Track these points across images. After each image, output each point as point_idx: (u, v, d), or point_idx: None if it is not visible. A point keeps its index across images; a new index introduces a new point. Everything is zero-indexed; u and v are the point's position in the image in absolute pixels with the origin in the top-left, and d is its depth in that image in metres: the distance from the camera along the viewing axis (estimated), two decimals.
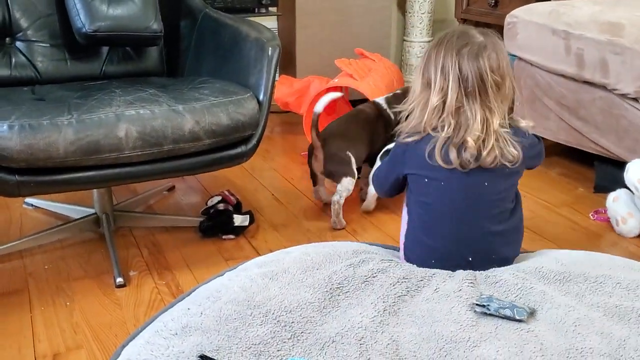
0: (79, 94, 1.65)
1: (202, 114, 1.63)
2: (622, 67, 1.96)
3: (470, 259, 1.39)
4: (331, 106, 2.94)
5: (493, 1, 3.01)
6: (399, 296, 1.29)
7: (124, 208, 2.05)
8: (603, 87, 2.08)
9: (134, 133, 1.54)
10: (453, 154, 1.35)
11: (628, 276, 1.31)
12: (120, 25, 1.88)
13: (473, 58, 1.34)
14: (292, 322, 1.20)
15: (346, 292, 1.31)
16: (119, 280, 1.67)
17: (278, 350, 1.12)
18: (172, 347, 1.14)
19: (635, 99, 1.98)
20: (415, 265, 1.42)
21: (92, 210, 1.95)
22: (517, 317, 1.18)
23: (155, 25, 1.94)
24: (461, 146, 1.35)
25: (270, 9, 2.98)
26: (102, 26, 1.85)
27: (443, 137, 1.36)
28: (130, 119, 1.54)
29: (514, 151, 1.35)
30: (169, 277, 1.73)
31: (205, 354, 1.10)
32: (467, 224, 1.38)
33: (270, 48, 1.83)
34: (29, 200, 2.13)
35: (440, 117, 1.37)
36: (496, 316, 1.20)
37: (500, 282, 1.32)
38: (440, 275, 1.37)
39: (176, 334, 1.18)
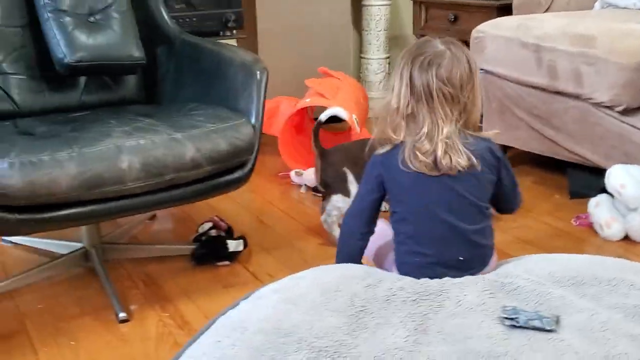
0: (71, 126, 1.60)
1: (202, 141, 1.61)
2: (596, 77, 2.05)
3: (461, 258, 1.42)
4: (300, 124, 2.96)
5: (452, 16, 3.09)
6: (424, 314, 1.29)
7: (112, 240, 2.00)
8: (576, 97, 2.16)
9: (136, 164, 1.50)
10: (416, 160, 1.38)
11: (638, 277, 1.36)
12: (101, 54, 1.85)
13: (424, 68, 1.38)
14: (327, 347, 1.19)
15: (371, 312, 1.30)
16: (122, 315, 1.62)
17: None
18: None
19: (610, 107, 2.07)
20: (422, 278, 1.43)
21: (79, 245, 1.89)
22: (547, 328, 1.20)
23: (137, 52, 1.91)
24: (414, 152, 1.39)
25: (234, 31, 2.97)
26: (84, 56, 1.80)
27: (406, 141, 1.40)
28: (131, 149, 1.50)
29: (462, 161, 1.37)
30: (172, 309, 1.69)
31: None
32: (451, 226, 1.41)
33: (258, 71, 1.83)
34: (7, 237, 2.04)
35: (394, 125, 1.41)
36: (526, 328, 1.22)
37: (517, 289, 1.35)
38: (454, 286, 1.38)
39: None
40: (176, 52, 2.08)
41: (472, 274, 1.42)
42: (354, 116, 2.66)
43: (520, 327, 1.23)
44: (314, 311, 1.31)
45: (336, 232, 1.99)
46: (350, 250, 1.53)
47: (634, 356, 1.12)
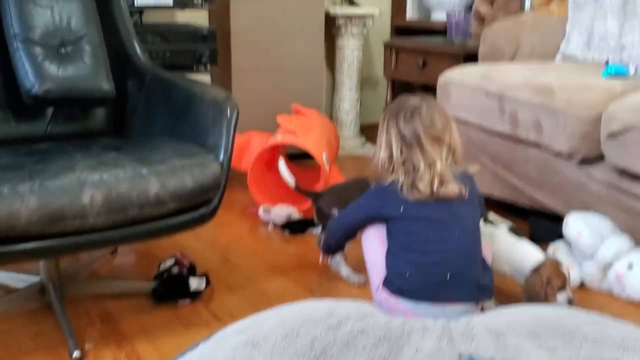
0: (35, 158, 1.58)
1: (167, 178, 1.60)
2: (556, 128, 2.11)
3: (449, 275, 1.58)
4: (270, 160, 2.97)
5: (421, 62, 3.16)
6: (383, 359, 1.30)
7: (71, 274, 1.96)
8: (537, 146, 2.22)
9: (99, 199, 1.49)
10: (417, 191, 1.60)
11: (592, 329, 1.38)
12: (70, 86, 1.84)
13: (408, 119, 1.63)
14: None
15: (330, 357, 1.30)
16: (76, 353, 1.59)
17: None
18: None
19: (568, 157, 2.13)
20: (386, 315, 1.44)
21: (36, 278, 1.85)
22: None
23: (107, 85, 1.91)
24: (414, 187, 1.61)
25: (208, 67, 2.99)
26: (52, 87, 1.80)
27: (404, 180, 1.62)
28: (94, 184, 1.50)
29: (454, 189, 1.60)
30: (128, 348, 1.66)
31: None
32: (449, 244, 1.61)
33: (228, 109, 1.84)
34: None
35: (390, 169, 1.64)
36: None
37: (476, 337, 1.37)
38: (416, 330, 1.39)
39: None
40: (147, 85, 2.09)
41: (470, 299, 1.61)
42: (324, 154, 2.68)
43: None
44: (274, 354, 1.30)
45: (344, 270, 2.06)
46: (338, 242, 1.92)
47: None
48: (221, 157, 1.78)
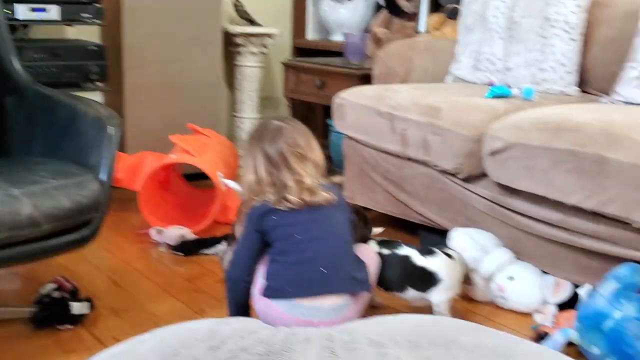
0: None
1: (41, 198, 1.54)
2: (442, 146, 2.19)
3: (323, 269, 1.65)
4: (165, 180, 2.91)
5: (319, 82, 3.20)
6: None
7: None
8: (424, 164, 2.29)
9: None
10: (286, 203, 1.66)
11: (469, 338, 1.43)
12: None
13: (272, 140, 1.70)
14: None
15: None
16: None
17: None
18: None
19: (454, 174, 2.21)
20: (270, 328, 1.43)
21: None
22: None
23: None
24: (285, 199, 1.66)
25: (98, 84, 2.90)
26: None
27: (272, 198, 1.67)
28: None
29: (324, 196, 1.68)
30: None
31: None
32: (321, 241, 1.69)
33: (110, 127, 1.79)
34: None
35: (259, 191, 1.69)
36: None
37: (357, 349, 1.38)
38: (299, 343, 1.39)
39: None
40: (27, 103, 2.00)
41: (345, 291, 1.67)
42: (220, 174, 2.66)
43: None
44: None
45: None
46: (239, 297, 1.74)
47: None
48: (101, 176, 1.73)
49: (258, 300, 1.69)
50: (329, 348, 1.36)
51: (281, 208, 1.66)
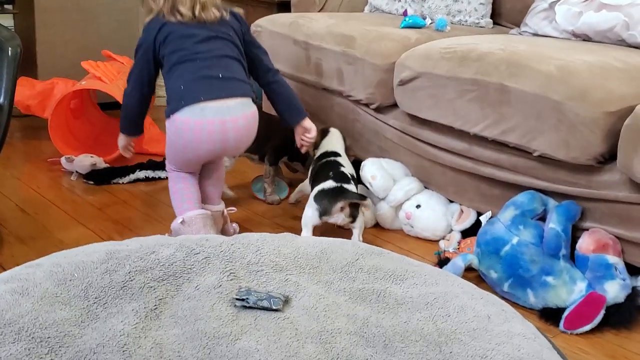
0: None
1: None
2: (355, 76, 2.20)
3: (220, 75, 1.78)
4: (78, 108, 2.83)
5: (243, 12, 3.13)
6: (160, 299, 1.30)
7: None
8: (339, 94, 2.30)
9: None
10: (179, 14, 1.78)
11: (369, 262, 1.48)
12: None
13: None
14: (49, 338, 1.15)
15: (104, 303, 1.28)
16: None
17: None
18: None
19: (366, 105, 2.23)
20: (171, 246, 1.44)
21: None
22: (274, 307, 1.27)
23: None
24: (176, 9, 1.78)
25: (6, 6, 2.75)
26: None
27: (162, 5, 1.79)
28: None
29: (216, 13, 1.81)
30: None
31: None
32: (215, 52, 1.80)
33: (10, 48, 1.72)
34: None
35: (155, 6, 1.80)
36: (255, 308, 1.28)
37: (259, 273, 1.41)
38: (198, 263, 1.41)
39: None
40: None
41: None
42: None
43: (250, 307, 1.28)
44: (44, 301, 1.26)
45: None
46: (129, 111, 1.91)
47: (346, 330, 1.23)
48: (1, 99, 1.66)
49: (170, 124, 1.78)
50: (228, 272, 1.39)
51: (172, 20, 1.76)
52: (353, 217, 1.90)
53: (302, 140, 1.99)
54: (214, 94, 1.75)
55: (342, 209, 1.88)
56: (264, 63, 1.98)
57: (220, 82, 1.77)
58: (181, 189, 1.84)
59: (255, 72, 1.96)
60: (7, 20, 3.04)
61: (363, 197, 1.92)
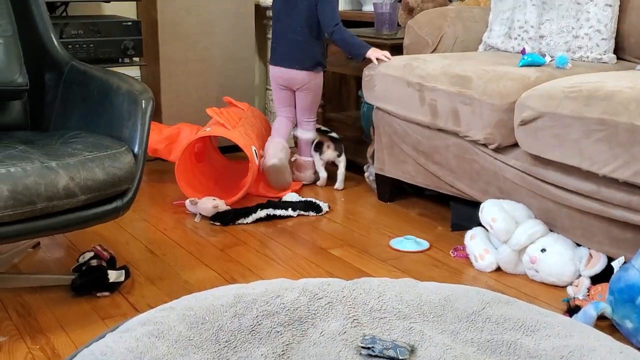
0: None
1: (76, 170, 1.59)
2: (472, 116, 2.17)
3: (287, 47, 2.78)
4: (201, 152, 2.96)
5: (349, 55, 3.19)
6: (287, 344, 1.33)
7: None
8: (455, 134, 2.28)
9: (5, 192, 1.47)
10: None
11: (496, 311, 1.44)
12: None
13: None
14: None
15: (234, 347, 1.32)
16: None
17: None
18: None
19: (484, 145, 2.19)
20: (294, 289, 1.46)
21: None
22: (400, 357, 1.26)
23: (21, 78, 1.89)
24: None
25: (134, 59, 2.96)
26: None
27: None
28: (0, 177, 1.47)
29: None
30: (43, 341, 1.64)
31: None
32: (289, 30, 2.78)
33: (143, 101, 1.83)
34: None
35: None
36: (381, 357, 1.27)
37: (382, 319, 1.40)
38: (321, 310, 1.42)
39: None
40: (65, 78, 2.06)
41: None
42: (254, 148, 2.69)
43: (375, 356, 1.28)
44: (178, 344, 1.31)
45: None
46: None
47: None
48: (135, 148, 1.77)
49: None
50: (351, 318, 1.39)
51: None
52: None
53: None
54: (281, 62, 2.85)
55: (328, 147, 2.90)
56: None
57: (287, 52, 2.80)
58: None
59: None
60: (134, 71, 3.26)
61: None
